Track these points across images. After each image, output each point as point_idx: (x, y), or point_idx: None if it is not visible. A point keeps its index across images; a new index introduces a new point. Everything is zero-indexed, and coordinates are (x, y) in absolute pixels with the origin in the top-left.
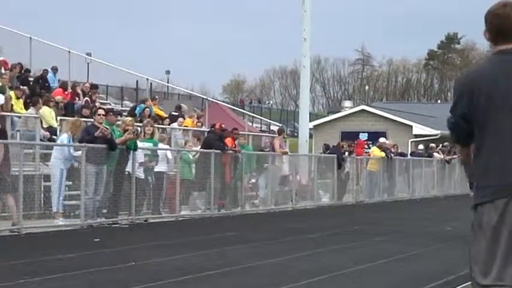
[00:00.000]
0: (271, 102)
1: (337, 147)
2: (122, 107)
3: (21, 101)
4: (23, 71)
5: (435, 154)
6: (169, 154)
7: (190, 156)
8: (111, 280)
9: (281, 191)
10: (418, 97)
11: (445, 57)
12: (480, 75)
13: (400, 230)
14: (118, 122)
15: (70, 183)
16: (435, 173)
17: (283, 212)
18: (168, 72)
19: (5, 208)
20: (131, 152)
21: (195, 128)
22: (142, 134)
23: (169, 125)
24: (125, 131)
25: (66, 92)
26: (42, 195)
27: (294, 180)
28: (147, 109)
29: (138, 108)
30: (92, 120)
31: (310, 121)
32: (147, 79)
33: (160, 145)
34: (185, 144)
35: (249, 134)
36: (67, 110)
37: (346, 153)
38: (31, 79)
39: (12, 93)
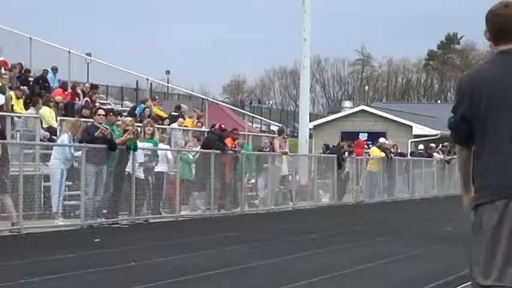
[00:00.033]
0: (271, 102)
1: (337, 147)
2: (122, 107)
3: (21, 101)
4: (23, 71)
5: (435, 154)
6: (169, 154)
7: (190, 157)
8: (111, 280)
9: (281, 191)
10: (418, 97)
11: (445, 58)
12: (481, 76)
13: (400, 230)
14: (118, 122)
15: (70, 183)
16: (435, 173)
17: (283, 212)
18: (168, 72)
19: (4, 208)
20: (131, 152)
21: (195, 128)
22: (143, 134)
23: (169, 125)
24: (125, 131)
25: (66, 92)
26: (42, 195)
27: (293, 181)
28: (147, 109)
29: (138, 109)
30: (92, 120)
31: (310, 121)
32: (147, 79)
33: (161, 145)
34: (185, 144)
35: (249, 134)
36: (67, 110)
37: (346, 154)
38: (31, 79)
39: (12, 93)
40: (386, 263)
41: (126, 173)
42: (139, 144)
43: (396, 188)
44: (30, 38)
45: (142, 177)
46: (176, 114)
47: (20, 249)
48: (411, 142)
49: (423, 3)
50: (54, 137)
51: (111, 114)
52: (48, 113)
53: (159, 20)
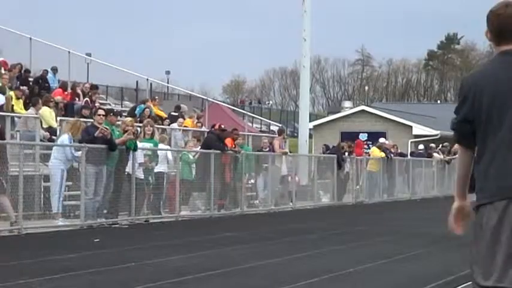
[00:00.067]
0: (271, 102)
1: (337, 147)
2: (121, 107)
3: (21, 101)
4: (22, 72)
5: (435, 154)
6: (169, 155)
7: (190, 157)
8: (111, 280)
9: (281, 191)
10: (418, 97)
11: (445, 58)
12: (483, 76)
13: (400, 230)
14: (118, 123)
15: (70, 183)
16: (435, 173)
17: (283, 212)
18: (168, 72)
19: (2, 209)
20: (131, 152)
21: (195, 129)
22: (142, 134)
23: (169, 125)
24: (125, 131)
25: (66, 93)
26: (42, 195)
27: (292, 181)
28: (147, 109)
29: (138, 109)
30: (92, 120)
31: (310, 121)
32: (147, 79)
33: (161, 145)
34: (185, 144)
35: (249, 135)
36: (67, 110)
37: (346, 154)
38: (31, 79)
39: (12, 93)
40: (386, 263)
41: (126, 173)
42: (139, 144)
43: (396, 188)
44: (30, 38)
45: (142, 178)
46: (176, 114)
47: (20, 249)
48: (411, 142)
49: (423, 3)
50: (54, 137)
51: (111, 114)
52: (48, 113)
53: (159, 20)
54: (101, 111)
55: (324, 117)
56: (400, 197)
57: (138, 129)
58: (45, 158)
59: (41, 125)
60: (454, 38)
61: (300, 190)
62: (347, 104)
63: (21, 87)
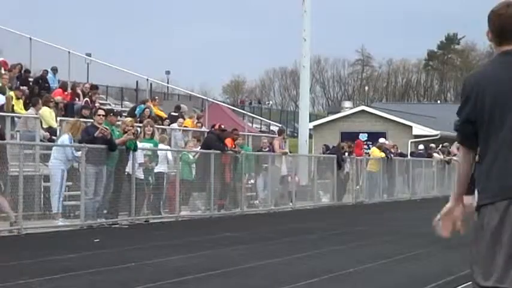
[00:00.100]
0: (271, 102)
1: (337, 147)
2: (121, 107)
3: (21, 101)
4: (22, 72)
5: (435, 154)
6: (169, 155)
7: (190, 157)
8: (111, 280)
9: (280, 192)
10: (418, 97)
11: (445, 58)
12: (484, 77)
13: (399, 230)
14: (118, 123)
15: (70, 183)
16: (435, 174)
17: (283, 212)
18: (168, 72)
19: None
20: (131, 152)
21: (195, 129)
22: (142, 134)
23: (169, 125)
24: (125, 131)
25: (66, 93)
26: (42, 195)
27: (292, 181)
28: (147, 109)
29: (138, 109)
30: (92, 120)
31: (310, 121)
32: (147, 79)
33: (161, 146)
34: (185, 145)
35: (249, 135)
36: (67, 110)
37: (346, 154)
38: (31, 79)
39: (12, 93)
40: (386, 263)
41: (126, 173)
42: (139, 144)
43: (396, 189)
44: (30, 38)
45: (142, 178)
46: (176, 114)
47: (20, 249)
48: (411, 142)
49: (423, 3)
50: (54, 138)
51: (111, 114)
52: (48, 114)
53: (159, 20)
54: (101, 112)
55: (324, 117)
56: (400, 197)
57: (138, 129)
58: (45, 158)
59: (41, 125)
60: (454, 38)
61: (299, 190)
62: (347, 104)
63: (21, 87)
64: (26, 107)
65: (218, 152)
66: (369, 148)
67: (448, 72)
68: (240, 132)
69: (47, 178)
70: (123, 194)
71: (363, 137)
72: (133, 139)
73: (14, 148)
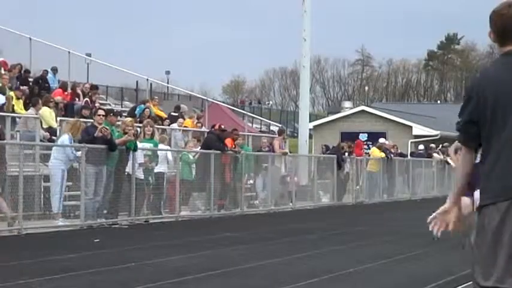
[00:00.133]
0: (271, 102)
1: (337, 147)
2: (121, 107)
3: (21, 101)
4: (22, 72)
5: (435, 155)
6: (169, 155)
7: (191, 157)
8: (111, 280)
9: (280, 192)
10: (418, 98)
11: (444, 58)
12: (487, 77)
13: (400, 230)
14: (118, 123)
15: (70, 183)
16: (435, 174)
17: (283, 212)
18: (168, 72)
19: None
20: (131, 152)
21: (195, 129)
22: (142, 134)
23: (169, 125)
24: (125, 132)
25: (66, 93)
26: (42, 195)
27: (291, 181)
28: (147, 110)
29: (138, 109)
30: (92, 120)
31: (310, 121)
32: (147, 79)
33: (161, 146)
34: (185, 145)
35: (249, 135)
36: (67, 110)
37: (346, 154)
38: (31, 80)
39: (12, 93)
40: (386, 263)
41: (126, 173)
42: (139, 144)
43: (396, 189)
44: (30, 39)
45: (142, 178)
46: (176, 114)
47: (20, 249)
48: (411, 142)
49: (423, 3)
50: (54, 138)
51: (111, 114)
52: (48, 114)
53: (158, 20)
54: (100, 112)
55: (324, 117)
56: (400, 197)
57: (138, 129)
58: (45, 158)
59: (41, 125)
60: (454, 38)
61: (299, 190)
62: (347, 104)
63: (21, 87)
64: (26, 107)
65: (218, 152)
66: (369, 148)
67: (448, 72)
68: (240, 132)
69: (47, 178)
70: (123, 194)
71: (363, 137)
72: (133, 140)
73: (14, 148)
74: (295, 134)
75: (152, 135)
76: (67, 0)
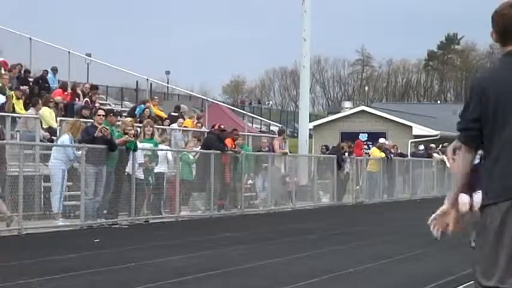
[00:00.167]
0: (271, 102)
1: (337, 147)
2: (121, 107)
3: (21, 101)
4: (22, 72)
5: (435, 155)
6: (169, 156)
7: (191, 157)
8: (111, 280)
9: (280, 192)
10: (418, 98)
11: (444, 58)
12: (489, 77)
13: (400, 230)
14: (118, 123)
15: (70, 183)
16: (435, 174)
17: (283, 212)
18: (168, 72)
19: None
20: (131, 152)
21: (195, 129)
22: (142, 134)
23: (169, 125)
24: (125, 133)
25: (66, 93)
26: (42, 195)
27: (291, 181)
28: (147, 110)
29: (138, 109)
30: (92, 120)
31: (310, 122)
32: (147, 79)
33: (161, 146)
34: (185, 145)
35: (249, 135)
36: (67, 110)
37: (346, 154)
38: (31, 80)
39: (12, 93)
40: (386, 263)
41: (126, 173)
42: (139, 144)
43: (396, 189)
44: (30, 39)
45: (142, 178)
46: (176, 114)
47: (20, 249)
48: (411, 142)
49: (423, 3)
50: (54, 138)
51: (111, 114)
52: (48, 114)
53: (158, 20)
54: (101, 112)
55: (324, 117)
56: (400, 197)
57: (138, 129)
58: (45, 158)
59: (41, 125)
60: (454, 38)
61: (299, 190)
62: (347, 104)
63: (21, 88)
64: (26, 107)
65: (218, 152)
66: (369, 148)
67: (448, 72)
68: (240, 133)
69: (47, 178)
70: (123, 194)
71: (363, 137)
72: (133, 140)
73: (14, 148)
74: (295, 134)
75: (152, 135)
76: (67, 0)
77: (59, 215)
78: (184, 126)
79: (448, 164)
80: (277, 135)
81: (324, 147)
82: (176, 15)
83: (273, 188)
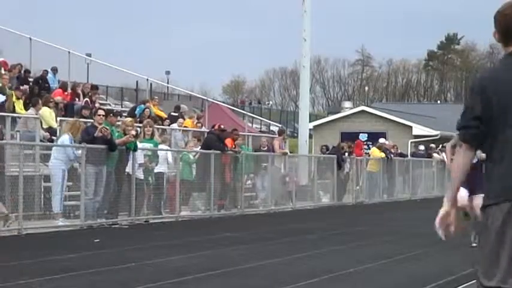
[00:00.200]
0: (271, 102)
1: (337, 147)
2: (121, 107)
3: (21, 101)
4: (22, 72)
5: (434, 155)
6: (169, 157)
7: (191, 157)
8: (111, 280)
9: (280, 192)
10: (418, 98)
11: (444, 58)
12: (491, 76)
13: (400, 230)
14: (118, 123)
15: (70, 183)
16: (435, 174)
17: (283, 212)
18: (168, 72)
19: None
20: (131, 152)
21: (195, 129)
22: (142, 134)
23: (169, 125)
24: (125, 133)
25: (66, 93)
26: (42, 195)
27: (291, 181)
28: (147, 110)
29: (138, 109)
30: (92, 121)
31: (310, 122)
32: (147, 79)
33: (161, 146)
34: (186, 145)
35: (249, 135)
36: (67, 110)
37: (346, 154)
38: (31, 80)
39: (12, 93)
40: (386, 263)
41: (126, 173)
42: (139, 144)
43: (396, 189)
44: (30, 39)
45: (142, 178)
46: (176, 114)
47: (20, 249)
48: (411, 142)
49: (423, 3)
50: (54, 138)
51: (111, 115)
52: (48, 114)
53: (158, 20)
54: (101, 112)
55: (324, 117)
56: (400, 198)
57: (138, 129)
58: (45, 158)
59: (41, 125)
60: (454, 38)
61: (300, 190)
62: (347, 104)
63: (21, 88)
64: (26, 107)
65: (218, 152)
66: (369, 148)
67: (448, 72)
68: (240, 133)
69: (47, 178)
70: (123, 194)
71: (363, 137)
72: (134, 140)
73: (14, 148)
74: (295, 134)
75: (152, 135)
76: (67, 0)
77: (59, 215)
78: (185, 126)
79: (446, 161)
80: (277, 135)
81: (323, 147)
82: (176, 15)
83: (273, 188)
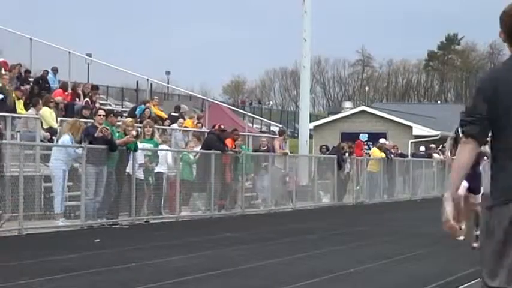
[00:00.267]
0: (271, 103)
1: (337, 148)
2: (122, 107)
3: (22, 101)
4: (23, 72)
5: (434, 155)
6: (169, 158)
7: (191, 157)
8: (112, 281)
9: (281, 192)
10: (418, 98)
11: (445, 58)
12: (496, 76)
13: (400, 230)
14: (118, 123)
15: (70, 184)
16: (435, 174)
17: (283, 212)
18: (168, 72)
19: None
20: (131, 152)
21: (195, 129)
22: (142, 134)
23: (169, 125)
24: (126, 134)
25: (66, 93)
26: (42, 196)
27: (291, 181)
28: (148, 110)
29: (138, 109)
30: (92, 121)
31: (310, 122)
32: (148, 80)
33: (162, 146)
34: (186, 145)
35: (249, 135)
36: (67, 110)
37: (346, 154)
38: (31, 80)
39: (12, 90)
40: (387, 263)
41: (126, 173)
42: (140, 145)
43: (396, 189)
44: (31, 39)
45: (143, 178)
46: (176, 114)
47: (21, 249)
48: (411, 143)
49: (423, 3)
50: (54, 138)
51: (111, 115)
52: (48, 114)
53: (158, 20)
54: (101, 112)
55: (324, 117)
56: (401, 198)
57: (139, 129)
58: (46, 158)
59: (41, 125)
60: (455, 39)
61: (300, 190)
62: (347, 104)
63: (22, 88)
64: (27, 107)
65: (218, 152)
66: (369, 148)
67: (448, 72)
68: (240, 133)
69: (47, 178)
70: (124, 194)
71: (363, 137)
72: (134, 140)
73: (15, 148)
74: (296, 134)
75: (152, 135)
76: (67, 0)
77: (60, 215)
78: (185, 127)
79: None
80: (277, 136)
81: (323, 147)
82: (176, 15)
83: (273, 188)
